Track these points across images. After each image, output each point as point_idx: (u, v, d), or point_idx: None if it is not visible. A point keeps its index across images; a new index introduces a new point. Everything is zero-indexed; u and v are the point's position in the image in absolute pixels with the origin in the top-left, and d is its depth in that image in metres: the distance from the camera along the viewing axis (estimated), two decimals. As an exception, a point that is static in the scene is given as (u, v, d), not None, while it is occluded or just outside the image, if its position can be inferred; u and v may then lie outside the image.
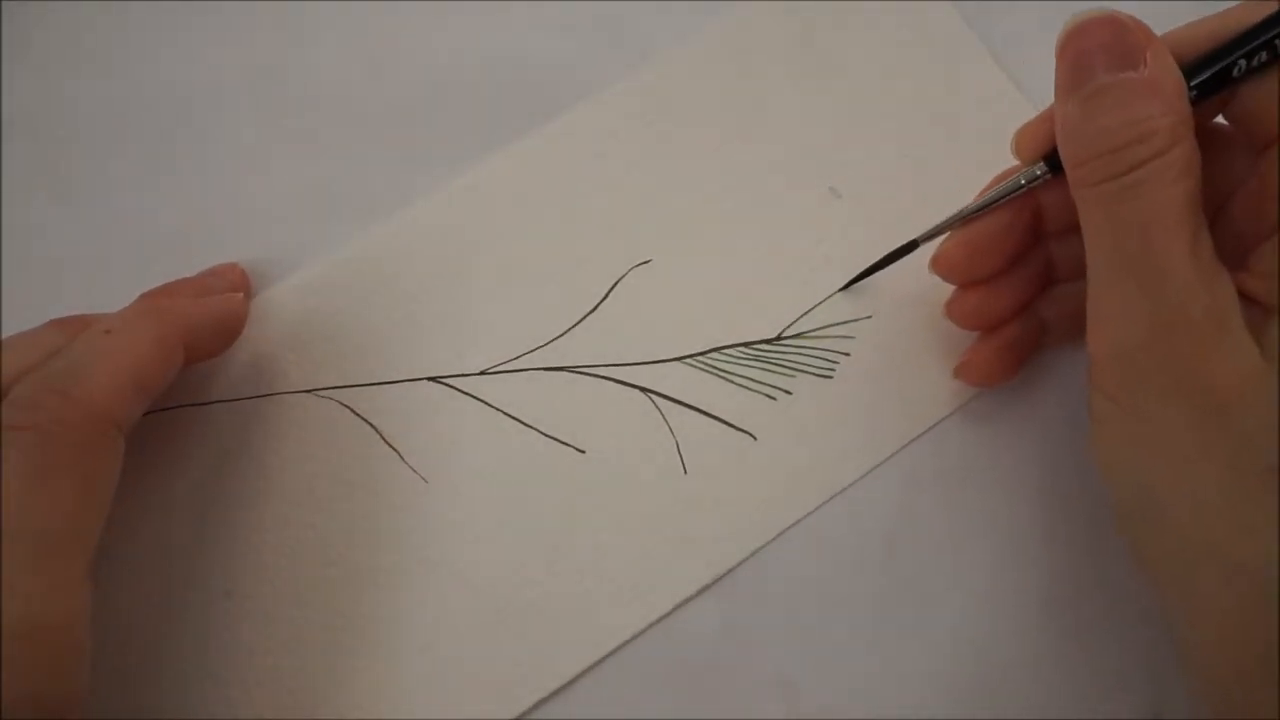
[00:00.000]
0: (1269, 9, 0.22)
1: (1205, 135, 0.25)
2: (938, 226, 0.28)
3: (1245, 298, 0.22)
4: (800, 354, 0.31)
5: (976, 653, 0.28)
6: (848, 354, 0.31)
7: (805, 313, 0.31)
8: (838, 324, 0.31)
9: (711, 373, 0.31)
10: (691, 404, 0.30)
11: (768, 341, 0.31)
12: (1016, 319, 0.29)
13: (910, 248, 0.29)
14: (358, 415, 0.30)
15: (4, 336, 0.27)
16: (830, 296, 0.31)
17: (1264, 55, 0.22)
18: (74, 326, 0.27)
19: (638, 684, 0.28)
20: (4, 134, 0.34)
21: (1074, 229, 0.26)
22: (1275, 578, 0.20)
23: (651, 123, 0.33)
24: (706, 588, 0.29)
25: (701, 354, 0.31)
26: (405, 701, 0.28)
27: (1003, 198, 0.26)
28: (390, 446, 0.30)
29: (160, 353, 0.26)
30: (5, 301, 0.32)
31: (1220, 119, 0.25)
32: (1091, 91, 0.22)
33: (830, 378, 0.30)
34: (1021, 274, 0.28)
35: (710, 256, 0.32)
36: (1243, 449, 0.21)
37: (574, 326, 0.31)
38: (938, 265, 0.28)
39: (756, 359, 0.31)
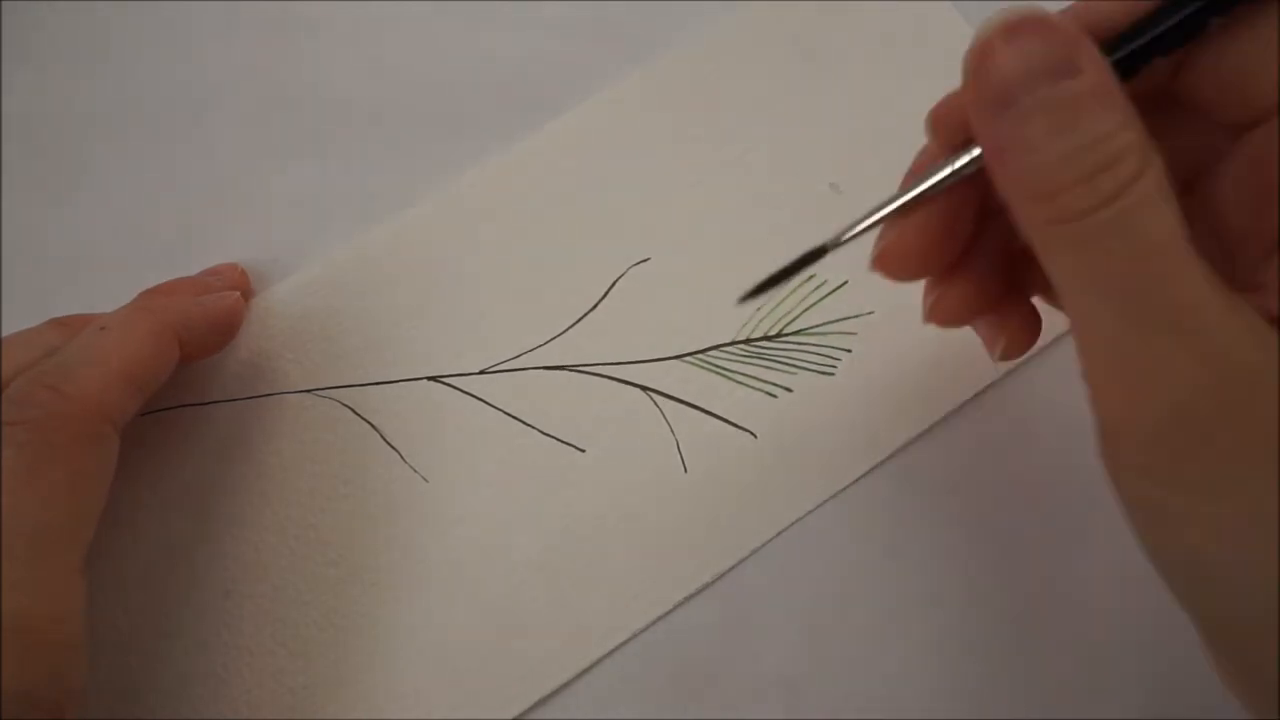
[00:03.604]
0: None
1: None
2: (851, 226, 0.23)
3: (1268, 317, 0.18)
4: (801, 351, 0.31)
5: (975, 652, 0.28)
6: (849, 350, 0.30)
7: (807, 309, 0.31)
8: (839, 320, 0.31)
9: (711, 370, 0.30)
10: (691, 402, 0.30)
11: (768, 338, 0.31)
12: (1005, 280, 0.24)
13: (819, 254, 0.24)
14: (358, 415, 0.30)
15: (4, 335, 0.27)
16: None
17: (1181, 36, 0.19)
18: (74, 325, 0.28)
19: (638, 684, 0.28)
20: (4, 134, 0.34)
21: None
22: None
23: (651, 122, 0.33)
24: (706, 587, 0.29)
25: (701, 352, 0.31)
26: (405, 701, 0.28)
27: (935, 187, 0.22)
28: (390, 446, 0.30)
29: (155, 349, 0.26)
30: (5, 301, 0.32)
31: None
32: (1024, 113, 0.18)
33: (831, 375, 0.30)
34: (989, 247, 0.24)
35: (710, 254, 0.32)
36: None
37: (573, 325, 0.31)
38: (887, 263, 0.24)
39: (757, 356, 0.31)
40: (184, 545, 0.29)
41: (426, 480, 0.30)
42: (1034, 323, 0.25)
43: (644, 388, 0.30)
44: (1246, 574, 0.18)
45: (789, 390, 0.30)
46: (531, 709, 0.28)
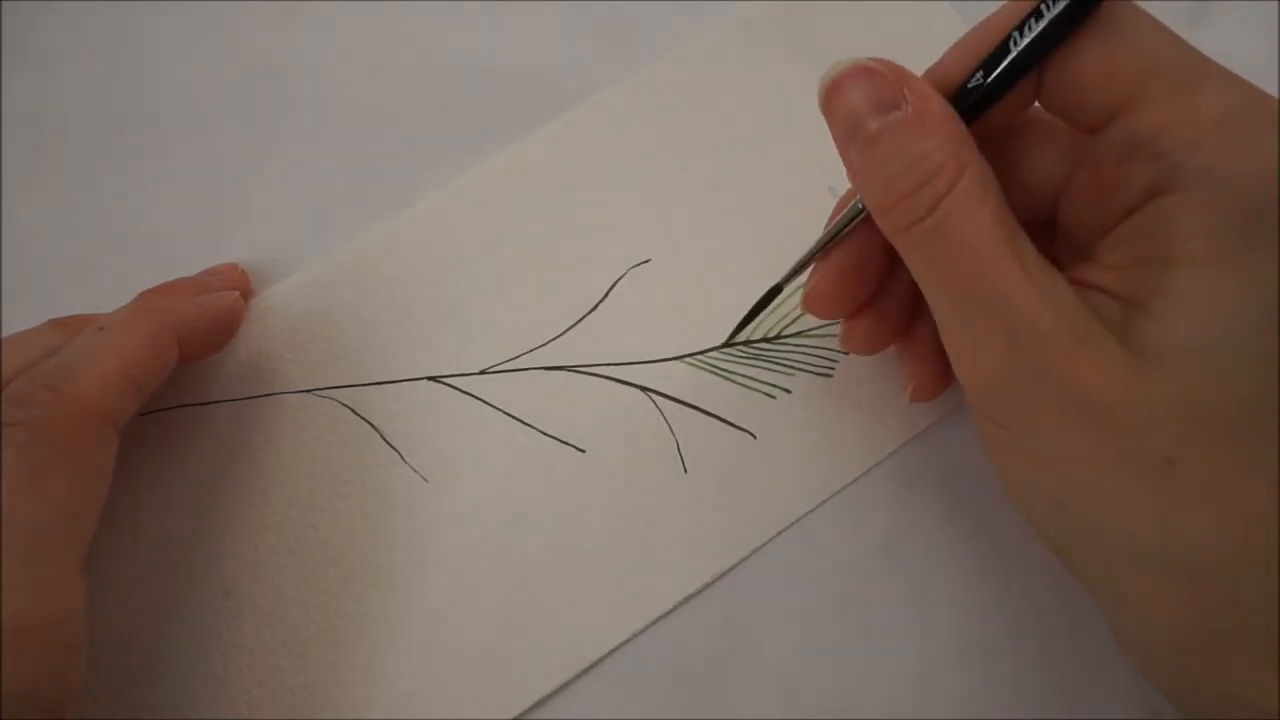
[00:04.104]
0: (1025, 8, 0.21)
1: (1021, 129, 0.25)
2: (797, 265, 0.27)
3: (1099, 290, 0.22)
4: (800, 352, 0.31)
5: (975, 652, 0.28)
6: (847, 353, 0.30)
7: (804, 312, 0.31)
8: (838, 322, 0.31)
9: (711, 371, 0.31)
10: (691, 403, 0.30)
11: (767, 340, 0.31)
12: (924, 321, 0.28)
13: (775, 292, 0.28)
14: (358, 415, 0.30)
15: (4, 335, 0.27)
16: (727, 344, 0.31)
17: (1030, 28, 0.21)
18: (74, 325, 0.28)
19: (638, 683, 0.28)
20: (4, 134, 0.34)
21: None
22: (1205, 564, 0.20)
23: (651, 122, 0.33)
24: (707, 587, 0.29)
25: (701, 353, 0.31)
26: (405, 701, 0.28)
27: (848, 225, 0.25)
28: (390, 446, 0.30)
29: (153, 348, 0.26)
30: (5, 301, 0.32)
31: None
32: (865, 141, 0.22)
33: (830, 376, 0.30)
34: (900, 283, 0.27)
35: (709, 255, 0.32)
36: (1133, 447, 0.20)
37: (574, 326, 0.31)
38: (810, 305, 0.27)
39: (756, 357, 0.31)
40: (184, 545, 0.29)
41: (426, 480, 0.30)
42: (938, 353, 0.27)
43: (644, 388, 0.30)
44: (1057, 493, 0.22)
45: (788, 391, 0.30)
46: (531, 709, 0.28)
